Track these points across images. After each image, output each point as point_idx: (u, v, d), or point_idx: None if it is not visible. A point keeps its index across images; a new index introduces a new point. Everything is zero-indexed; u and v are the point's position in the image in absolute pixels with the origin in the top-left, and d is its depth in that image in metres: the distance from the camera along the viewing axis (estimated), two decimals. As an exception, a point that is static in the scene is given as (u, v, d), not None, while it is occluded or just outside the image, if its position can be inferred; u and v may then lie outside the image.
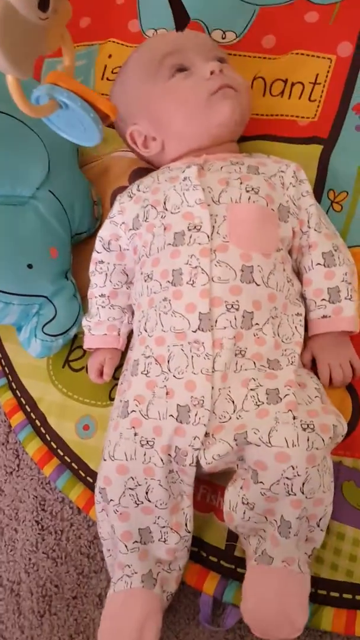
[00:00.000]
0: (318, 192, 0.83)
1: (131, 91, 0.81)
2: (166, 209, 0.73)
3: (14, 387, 0.89)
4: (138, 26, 0.98)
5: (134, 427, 0.68)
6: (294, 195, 0.75)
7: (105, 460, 0.69)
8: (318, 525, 0.64)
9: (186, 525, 0.69)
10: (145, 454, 0.67)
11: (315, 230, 0.74)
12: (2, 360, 0.91)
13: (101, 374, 0.80)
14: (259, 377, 0.65)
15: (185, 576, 0.72)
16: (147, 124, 0.80)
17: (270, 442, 0.60)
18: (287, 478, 0.60)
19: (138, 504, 0.67)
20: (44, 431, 0.85)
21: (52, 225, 0.81)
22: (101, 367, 0.80)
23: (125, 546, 0.67)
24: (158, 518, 0.67)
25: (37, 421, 0.86)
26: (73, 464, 0.82)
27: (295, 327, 0.71)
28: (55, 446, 0.84)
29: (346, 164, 0.82)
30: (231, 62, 0.90)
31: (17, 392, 0.89)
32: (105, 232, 0.80)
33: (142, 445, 0.67)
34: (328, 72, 0.86)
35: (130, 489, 0.67)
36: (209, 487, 0.75)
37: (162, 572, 0.68)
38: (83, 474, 0.82)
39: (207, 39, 0.86)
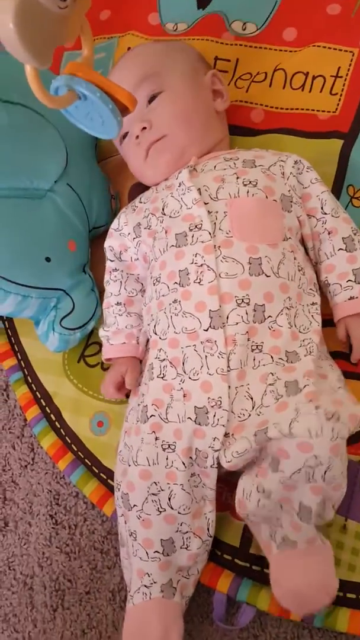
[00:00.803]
0: (337, 187, 0.81)
1: None
2: (164, 214, 0.73)
3: (30, 381, 0.89)
4: (158, 19, 0.97)
5: (154, 432, 0.67)
6: (297, 183, 0.74)
7: (129, 465, 0.68)
8: (333, 507, 0.63)
9: (208, 530, 0.68)
10: (167, 458, 0.66)
11: (332, 216, 0.73)
12: (19, 354, 0.91)
13: (120, 386, 0.76)
14: (277, 371, 0.64)
15: (201, 576, 0.72)
16: None
17: (291, 433, 0.58)
18: (309, 467, 0.58)
19: (161, 512, 0.66)
20: (58, 426, 0.85)
21: (70, 219, 0.81)
22: (122, 379, 0.75)
23: (147, 553, 0.66)
24: (181, 525, 0.66)
25: (52, 415, 0.86)
26: (87, 460, 0.82)
27: (312, 316, 0.69)
28: (69, 441, 0.84)
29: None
30: (251, 54, 0.91)
31: (33, 386, 0.88)
32: (114, 242, 0.80)
33: (163, 450, 0.66)
34: (350, 65, 0.84)
35: (153, 494, 0.66)
36: (226, 485, 0.74)
37: (181, 580, 0.67)
38: (96, 470, 0.81)
39: (136, 72, 0.79)
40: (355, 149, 0.81)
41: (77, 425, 0.84)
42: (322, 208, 0.73)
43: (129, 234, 0.78)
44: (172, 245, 0.70)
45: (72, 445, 0.83)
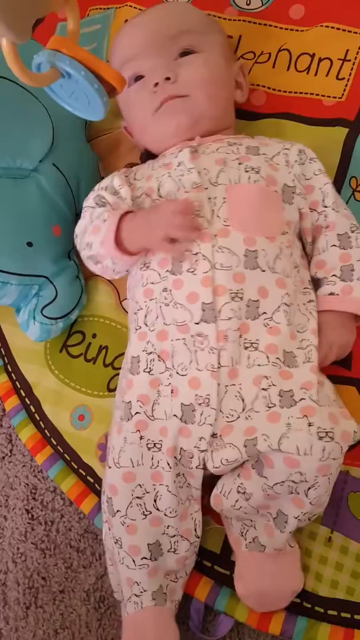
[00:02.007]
0: (339, 179, 0.78)
1: None
2: (160, 196, 0.68)
3: (10, 369, 0.85)
4: (157, -11, 0.91)
5: (139, 430, 0.64)
6: (301, 173, 0.70)
7: (110, 467, 0.65)
8: (309, 520, 0.62)
9: (195, 530, 0.66)
10: (152, 458, 0.63)
11: (333, 209, 0.69)
12: (-1, 341, 0.88)
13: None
14: (272, 375, 0.61)
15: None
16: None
17: (280, 448, 0.56)
18: (292, 481, 0.57)
19: (146, 515, 0.63)
20: (38, 418, 0.82)
21: (55, 202, 0.76)
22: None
23: (134, 561, 0.63)
24: (167, 527, 0.64)
25: (31, 407, 0.83)
26: (65, 455, 0.79)
27: (310, 313, 0.66)
28: (48, 434, 0.81)
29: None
30: (255, 31, 0.85)
31: (13, 375, 0.85)
32: (108, 196, 0.71)
33: (149, 449, 0.63)
34: (359, 48, 0.79)
35: (137, 497, 0.63)
36: (208, 488, 0.71)
37: (170, 584, 0.65)
38: (75, 466, 0.79)
39: (171, 24, 0.75)
40: (360, 139, 0.76)
41: (57, 418, 0.81)
42: (323, 200, 0.69)
43: (126, 199, 0.71)
44: None
45: (52, 439, 0.80)
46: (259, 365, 0.61)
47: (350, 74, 0.80)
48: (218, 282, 0.62)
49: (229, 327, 0.61)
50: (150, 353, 0.65)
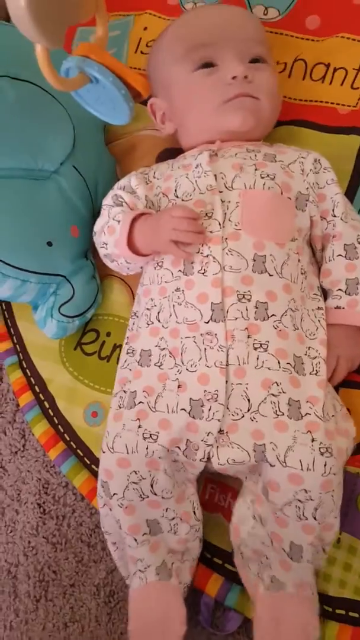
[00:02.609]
0: (353, 186, 0.79)
1: (159, 66, 0.78)
2: (177, 197, 0.71)
3: (25, 366, 0.87)
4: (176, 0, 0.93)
5: (139, 419, 0.65)
6: (315, 182, 0.72)
7: (104, 452, 0.67)
8: (324, 550, 0.63)
9: (194, 513, 0.67)
10: (147, 448, 0.64)
11: (342, 219, 0.71)
12: (14, 338, 0.89)
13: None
14: (283, 381, 0.62)
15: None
16: (166, 104, 0.79)
17: (285, 462, 0.59)
18: (299, 500, 0.59)
19: (143, 498, 0.65)
20: (52, 414, 0.83)
21: (74, 203, 0.78)
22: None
23: (135, 540, 0.65)
24: (166, 510, 0.66)
25: (45, 403, 0.84)
26: (78, 451, 0.81)
27: (319, 321, 0.68)
28: (62, 430, 0.82)
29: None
30: (271, 40, 0.86)
31: (28, 371, 0.87)
32: (125, 196, 0.73)
33: (144, 439, 0.65)
34: (374, 59, 0.81)
35: (133, 482, 0.65)
36: (218, 486, 0.73)
37: (175, 563, 0.66)
38: (88, 462, 0.80)
39: (248, 29, 0.78)
40: (375, 147, 0.78)
41: (71, 414, 0.82)
42: (333, 210, 0.71)
43: (142, 198, 0.73)
44: None
45: (65, 435, 0.82)
46: (269, 368, 0.63)
47: (365, 84, 0.82)
48: (227, 283, 0.64)
49: (236, 326, 0.63)
50: (163, 349, 0.67)
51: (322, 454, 0.59)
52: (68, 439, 0.82)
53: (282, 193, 0.69)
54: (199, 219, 0.66)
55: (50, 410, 0.84)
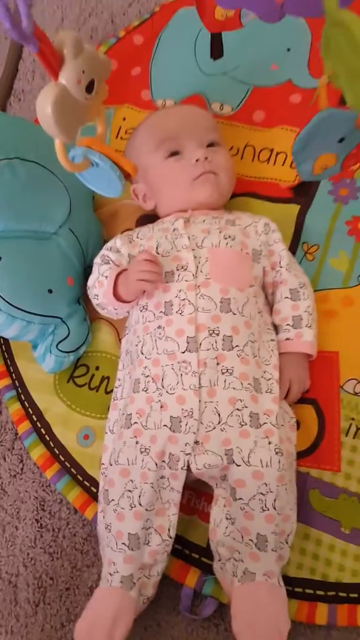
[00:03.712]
0: (294, 243, 0.98)
1: (137, 155, 0.96)
2: (158, 253, 0.87)
3: (23, 398, 1.00)
4: (149, 95, 1.15)
5: (135, 437, 0.79)
6: (265, 241, 0.90)
7: (111, 465, 0.80)
8: (287, 542, 0.76)
9: (169, 530, 0.77)
10: (143, 460, 0.78)
11: (286, 269, 0.89)
12: (13, 375, 1.02)
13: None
14: (245, 399, 0.78)
15: (169, 571, 0.82)
16: (145, 186, 0.97)
17: (249, 462, 0.74)
18: (261, 494, 0.73)
19: (132, 507, 0.76)
20: (48, 439, 0.96)
21: (70, 258, 0.94)
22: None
23: (116, 544, 0.76)
24: (146, 521, 0.76)
25: (42, 429, 0.96)
26: (72, 469, 0.93)
27: (272, 350, 0.85)
28: (57, 452, 0.94)
29: (318, 221, 0.98)
30: (226, 131, 1.08)
31: (25, 403, 0.99)
32: (112, 255, 0.90)
33: (141, 452, 0.78)
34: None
35: (128, 490, 0.77)
36: (194, 492, 0.86)
37: (142, 578, 0.76)
38: (81, 478, 0.92)
39: (203, 122, 0.97)
40: (309, 213, 0.98)
41: (65, 438, 0.95)
42: (279, 262, 0.90)
43: (125, 255, 0.91)
44: None
45: (60, 456, 0.94)
46: (234, 388, 0.78)
47: (301, 165, 1.03)
48: (199, 321, 0.80)
49: (207, 356, 0.79)
50: (147, 376, 0.81)
51: (276, 453, 0.74)
52: (63, 459, 0.94)
53: (241, 250, 0.87)
54: (155, 260, 0.82)
55: (46, 436, 0.96)
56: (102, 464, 0.85)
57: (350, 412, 0.86)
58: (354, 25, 0.54)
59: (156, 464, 0.77)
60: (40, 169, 0.92)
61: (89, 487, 0.91)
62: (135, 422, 0.80)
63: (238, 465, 0.75)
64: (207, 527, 0.84)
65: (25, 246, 0.89)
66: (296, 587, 0.80)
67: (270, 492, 0.73)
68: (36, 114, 0.64)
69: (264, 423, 0.77)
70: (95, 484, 0.90)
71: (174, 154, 0.93)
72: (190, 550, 0.84)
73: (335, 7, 0.56)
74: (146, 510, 0.77)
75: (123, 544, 0.76)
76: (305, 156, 0.72)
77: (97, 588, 0.78)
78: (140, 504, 0.77)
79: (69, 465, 0.93)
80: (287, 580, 0.79)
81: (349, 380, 0.88)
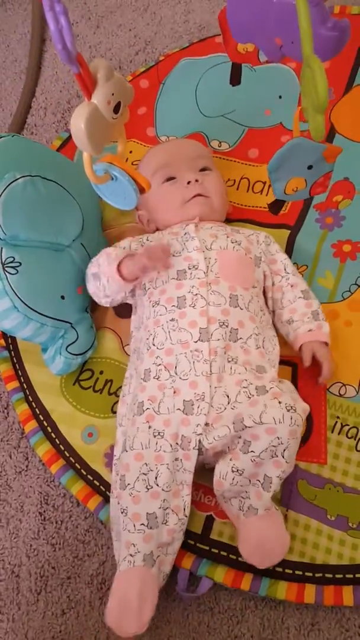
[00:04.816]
0: (285, 265, 1.08)
1: None
2: (170, 253, 0.97)
3: (30, 400, 1.06)
4: (154, 132, 1.28)
5: (148, 422, 0.86)
6: (266, 250, 1.01)
7: (125, 451, 0.86)
8: (280, 479, 0.83)
9: (184, 509, 0.83)
10: (157, 444, 0.84)
11: (292, 274, 1.01)
12: (21, 378, 1.09)
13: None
14: (249, 378, 0.86)
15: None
16: (146, 211, 1.09)
17: (261, 421, 0.80)
18: (273, 446, 0.80)
19: (148, 489, 0.81)
20: (54, 436, 1.02)
21: (81, 269, 1.03)
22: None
23: (134, 525, 0.80)
24: (163, 501, 0.81)
25: (48, 428, 1.03)
26: (76, 464, 0.99)
27: (274, 345, 0.95)
28: (62, 449, 1.00)
29: (307, 245, 1.09)
30: (224, 165, 1.20)
31: (33, 404, 1.05)
32: (121, 252, 0.95)
33: (154, 436, 0.85)
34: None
35: (143, 474, 0.83)
36: (192, 485, 0.92)
37: (161, 555, 0.81)
38: (84, 472, 0.98)
39: (194, 150, 1.09)
40: (298, 237, 1.10)
41: (70, 435, 1.01)
42: (285, 269, 1.01)
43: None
44: (173, 278, 0.94)
45: (65, 452, 1.00)
46: (239, 373, 0.87)
47: (290, 196, 1.15)
48: (211, 314, 0.89)
49: (218, 345, 0.88)
50: (159, 365, 0.89)
51: (288, 410, 0.79)
52: (68, 455, 1.00)
53: (245, 254, 0.98)
54: (167, 249, 0.92)
55: (52, 434, 1.02)
56: (115, 456, 0.91)
57: (335, 411, 0.95)
58: (317, 69, 0.66)
59: (170, 446, 0.84)
60: (59, 188, 1.02)
61: (92, 480, 0.97)
62: (148, 408, 0.87)
63: (250, 427, 0.81)
64: (203, 515, 0.91)
65: (42, 255, 0.98)
66: (286, 569, 0.86)
67: (282, 444, 0.80)
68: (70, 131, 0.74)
69: (271, 388, 0.84)
70: (98, 477, 0.96)
71: (170, 179, 1.05)
72: (186, 537, 0.89)
73: (310, 52, 0.67)
74: (163, 490, 0.82)
75: (142, 524, 0.80)
76: (279, 176, 0.84)
77: (118, 573, 0.81)
78: (157, 485, 0.82)
79: (73, 461, 0.99)
80: (279, 563, 0.85)
81: (335, 383, 0.97)
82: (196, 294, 0.91)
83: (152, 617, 0.77)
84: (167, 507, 0.83)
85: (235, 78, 1.27)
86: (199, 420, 0.84)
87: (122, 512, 0.83)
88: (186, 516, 0.84)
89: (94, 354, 1.07)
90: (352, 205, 1.10)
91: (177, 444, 0.85)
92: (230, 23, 0.82)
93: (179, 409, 0.85)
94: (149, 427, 0.86)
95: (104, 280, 0.96)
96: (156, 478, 0.83)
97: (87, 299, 1.06)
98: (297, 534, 0.88)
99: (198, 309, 0.90)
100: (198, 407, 0.85)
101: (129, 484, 0.83)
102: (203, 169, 1.07)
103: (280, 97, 1.23)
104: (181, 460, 0.85)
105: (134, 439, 0.86)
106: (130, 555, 0.80)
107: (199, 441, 0.84)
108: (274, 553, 0.81)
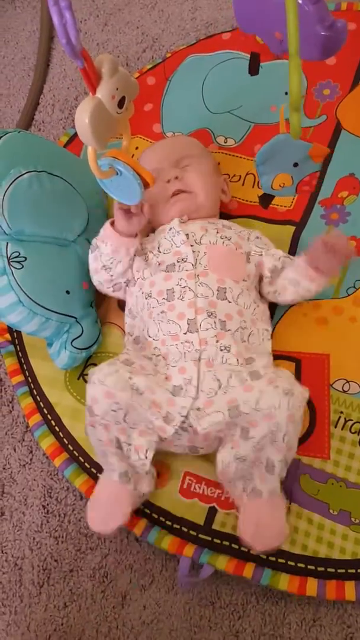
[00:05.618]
0: (290, 260, 1.08)
1: None
2: (160, 252, 0.98)
3: (35, 393, 1.07)
4: (160, 129, 1.28)
5: (130, 373, 0.84)
6: (256, 248, 1.00)
7: (94, 383, 0.83)
8: (286, 465, 0.84)
9: (146, 452, 0.86)
10: (132, 387, 0.83)
11: (287, 257, 1.00)
12: (26, 372, 1.09)
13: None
14: (242, 364, 0.87)
15: (168, 546, 0.88)
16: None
17: (258, 408, 0.80)
18: (272, 432, 0.80)
19: (117, 424, 0.84)
20: (57, 430, 1.02)
21: (85, 265, 1.03)
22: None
23: (110, 450, 0.86)
24: (128, 437, 0.86)
25: (52, 421, 1.03)
26: (80, 457, 0.99)
27: (263, 339, 0.95)
28: (66, 442, 1.01)
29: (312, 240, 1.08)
30: (230, 161, 1.20)
31: (37, 397, 1.06)
32: None
33: (132, 388, 0.83)
34: (302, 175, 1.15)
35: (113, 410, 0.83)
36: (194, 478, 0.93)
37: (134, 475, 0.87)
38: (88, 466, 0.98)
39: (180, 147, 1.10)
40: (303, 233, 1.10)
41: (74, 428, 1.01)
42: (280, 258, 0.99)
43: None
44: (162, 271, 0.95)
45: (69, 445, 1.00)
46: (229, 363, 0.87)
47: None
48: (199, 305, 0.90)
49: (207, 335, 0.88)
50: (158, 355, 0.91)
51: (285, 394, 0.79)
52: (71, 449, 1.00)
53: (236, 249, 0.98)
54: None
55: (56, 427, 1.03)
56: None
57: (339, 407, 0.94)
58: (292, 67, 0.67)
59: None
60: (65, 184, 1.02)
61: (95, 473, 0.97)
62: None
63: (247, 414, 0.81)
64: (205, 507, 0.91)
65: (47, 250, 0.98)
66: (289, 561, 0.86)
67: (281, 430, 0.80)
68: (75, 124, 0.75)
69: (265, 374, 0.84)
70: (100, 469, 0.96)
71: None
72: (188, 528, 0.90)
73: (294, 51, 0.68)
74: (130, 427, 0.86)
75: (115, 448, 0.86)
76: (265, 170, 0.85)
77: (99, 480, 0.91)
78: (125, 421, 0.85)
79: (77, 454, 1.00)
80: (281, 554, 0.86)
81: (338, 379, 0.97)
82: (184, 287, 0.92)
83: (119, 525, 0.85)
84: (130, 443, 0.87)
85: (253, 68, 1.27)
86: (184, 403, 0.85)
87: (98, 440, 0.87)
88: (146, 458, 0.87)
89: (99, 348, 1.07)
90: (357, 201, 1.10)
91: (158, 412, 0.85)
92: (236, 13, 0.83)
93: (168, 390, 0.86)
94: (130, 377, 0.84)
95: (101, 245, 0.97)
96: (125, 416, 0.84)
97: (92, 294, 1.06)
98: (300, 527, 0.88)
99: (186, 300, 0.91)
100: (185, 390, 0.86)
101: (97, 415, 0.84)
102: (186, 165, 1.06)
103: (286, 93, 1.20)
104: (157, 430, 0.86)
105: (108, 375, 0.83)
106: (110, 470, 0.88)
107: (182, 422, 0.85)
108: (270, 538, 0.82)
